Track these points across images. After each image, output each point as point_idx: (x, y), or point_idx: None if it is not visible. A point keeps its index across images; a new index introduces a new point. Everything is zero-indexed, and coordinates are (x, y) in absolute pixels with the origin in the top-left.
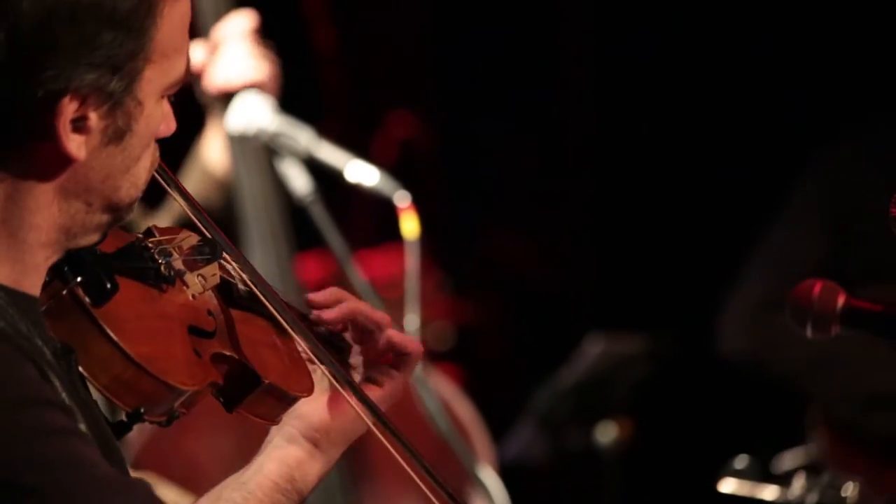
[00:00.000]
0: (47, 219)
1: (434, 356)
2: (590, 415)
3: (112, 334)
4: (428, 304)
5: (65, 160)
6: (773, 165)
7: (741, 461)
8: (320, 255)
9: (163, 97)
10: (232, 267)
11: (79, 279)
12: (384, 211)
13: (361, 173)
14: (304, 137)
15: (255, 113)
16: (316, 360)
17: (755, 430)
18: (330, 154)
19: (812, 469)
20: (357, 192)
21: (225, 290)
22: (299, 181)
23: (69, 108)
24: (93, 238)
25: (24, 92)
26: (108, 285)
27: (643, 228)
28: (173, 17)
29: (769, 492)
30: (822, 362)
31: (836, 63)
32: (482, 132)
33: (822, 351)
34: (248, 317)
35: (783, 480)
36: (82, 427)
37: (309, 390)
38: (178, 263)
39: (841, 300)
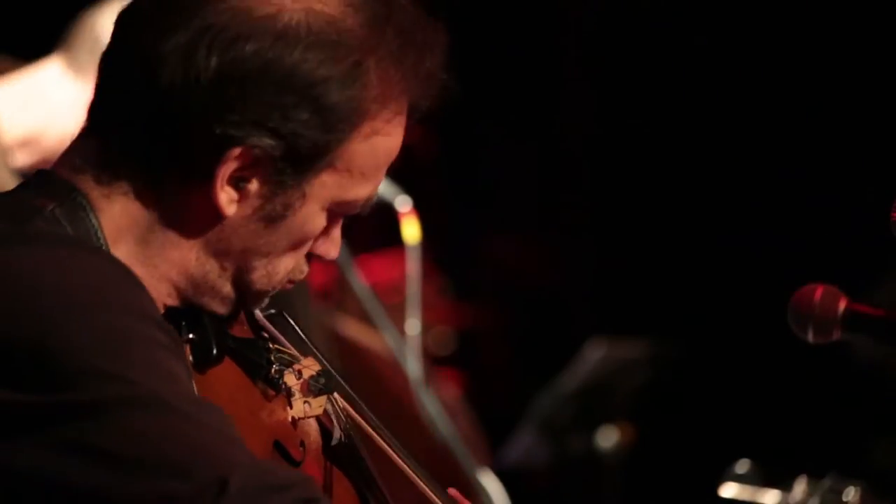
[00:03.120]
0: (182, 260)
1: (435, 361)
2: (591, 420)
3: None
4: (429, 309)
5: (214, 213)
6: (774, 171)
7: (742, 466)
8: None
9: (330, 212)
10: (343, 414)
11: (190, 336)
12: (385, 216)
13: None
14: None
15: None
16: None
17: (756, 434)
18: None
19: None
20: None
21: (325, 436)
22: None
23: (236, 161)
24: (216, 308)
25: (206, 122)
26: (214, 352)
27: (644, 233)
28: (376, 143)
29: (770, 496)
30: None
31: (840, 75)
32: (483, 137)
33: None
34: (337, 474)
35: (784, 485)
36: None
37: None
38: (291, 379)
39: (842, 305)
